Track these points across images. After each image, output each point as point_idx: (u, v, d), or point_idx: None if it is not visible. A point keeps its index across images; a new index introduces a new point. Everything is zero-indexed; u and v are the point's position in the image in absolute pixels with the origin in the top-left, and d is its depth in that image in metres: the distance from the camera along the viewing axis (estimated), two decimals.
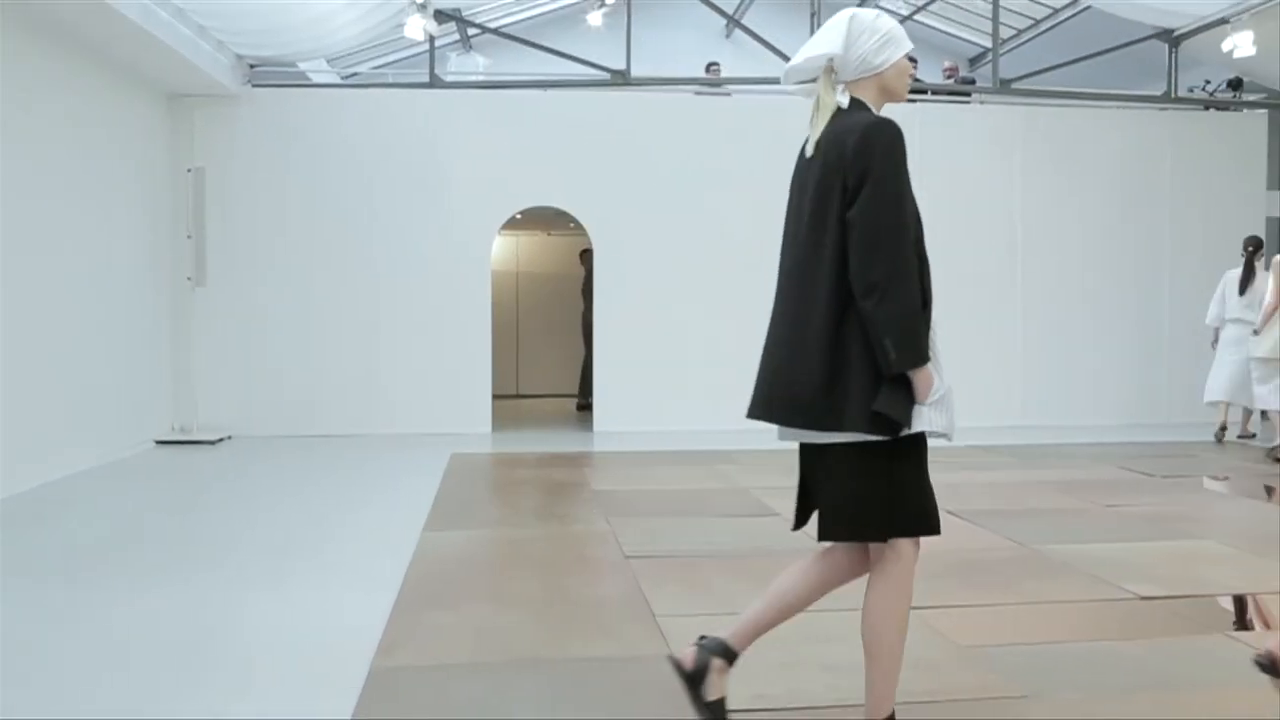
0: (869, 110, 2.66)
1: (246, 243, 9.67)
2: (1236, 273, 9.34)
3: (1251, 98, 11.43)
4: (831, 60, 2.67)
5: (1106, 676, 3.41)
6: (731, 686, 3.23)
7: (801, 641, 3.68)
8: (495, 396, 10.25)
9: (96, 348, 8.04)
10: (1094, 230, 10.81)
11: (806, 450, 2.75)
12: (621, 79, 10.28)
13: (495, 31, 11.91)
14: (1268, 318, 8.51)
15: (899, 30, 2.68)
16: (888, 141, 2.53)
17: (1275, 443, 8.49)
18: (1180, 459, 8.46)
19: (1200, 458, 8.54)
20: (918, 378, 2.56)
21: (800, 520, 2.84)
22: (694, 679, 2.78)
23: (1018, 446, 9.05)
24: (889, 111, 2.70)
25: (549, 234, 13.98)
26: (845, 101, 2.67)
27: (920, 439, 2.66)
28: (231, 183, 9.62)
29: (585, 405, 11.46)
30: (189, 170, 9.35)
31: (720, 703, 2.78)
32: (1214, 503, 6.86)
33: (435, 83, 10.23)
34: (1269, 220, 11.39)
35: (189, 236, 9.32)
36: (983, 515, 5.95)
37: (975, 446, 8.98)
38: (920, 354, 2.55)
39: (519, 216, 10.65)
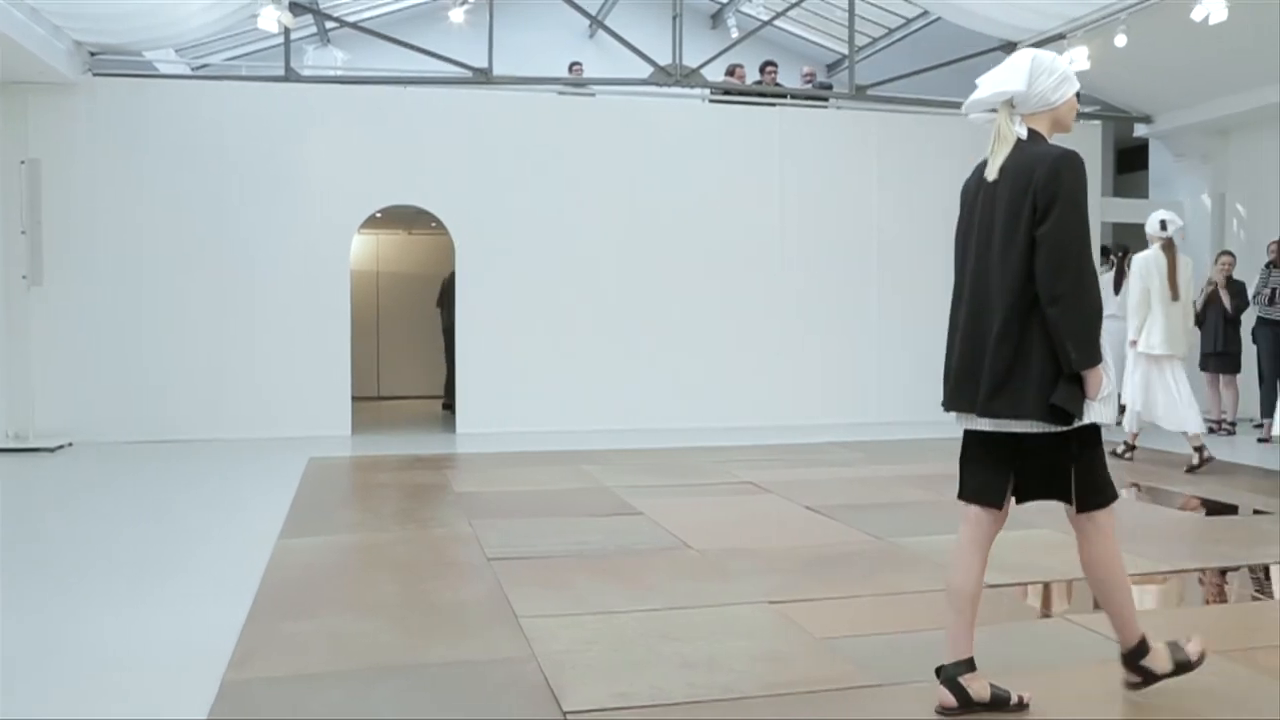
0: (1045, 141, 3.07)
1: (86, 239, 9.22)
2: (1108, 277, 9.85)
3: (1088, 109, 12.04)
4: (1013, 96, 3.05)
5: None
6: (592, 686, 3.24)
7: (660, 639, 3.71)
8: (355, 398, 10.03)
9: None
10: (945, 233, 11.14)
11: (989, 437, 3.06)
12: (483, 77, 10.19)
13: (354, 25, 11.67)
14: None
15: (1070, 70, 3.12)
16: (1075, 171, 2.96)
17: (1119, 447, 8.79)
18: None
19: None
20: (1091, 376, 2.90)
21: (965, 492, 3.20)
22: (1150, 679, 3.15)
23: (874, 443, 9.32)
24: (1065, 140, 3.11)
25: (410, 233, 13.77)
26: (1024, 133, 3.06)
27: (1099, 427, 3.03)
28: (70, 176, 9.15)
29: (451, 405, 11.32)
30: (22, 162, 8.86)
31: (1183, 663, 3.15)
32: None
33: (291, 76, 9.94)
34: (1104, 225, 12.03)
35: (23, 232, 8.84)
36: (840, 510, 6.11)
37: (833, 443, 9.22)
38: (1096, 356, 2.90)
39: (379, 215, 10.44)
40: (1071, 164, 2.95)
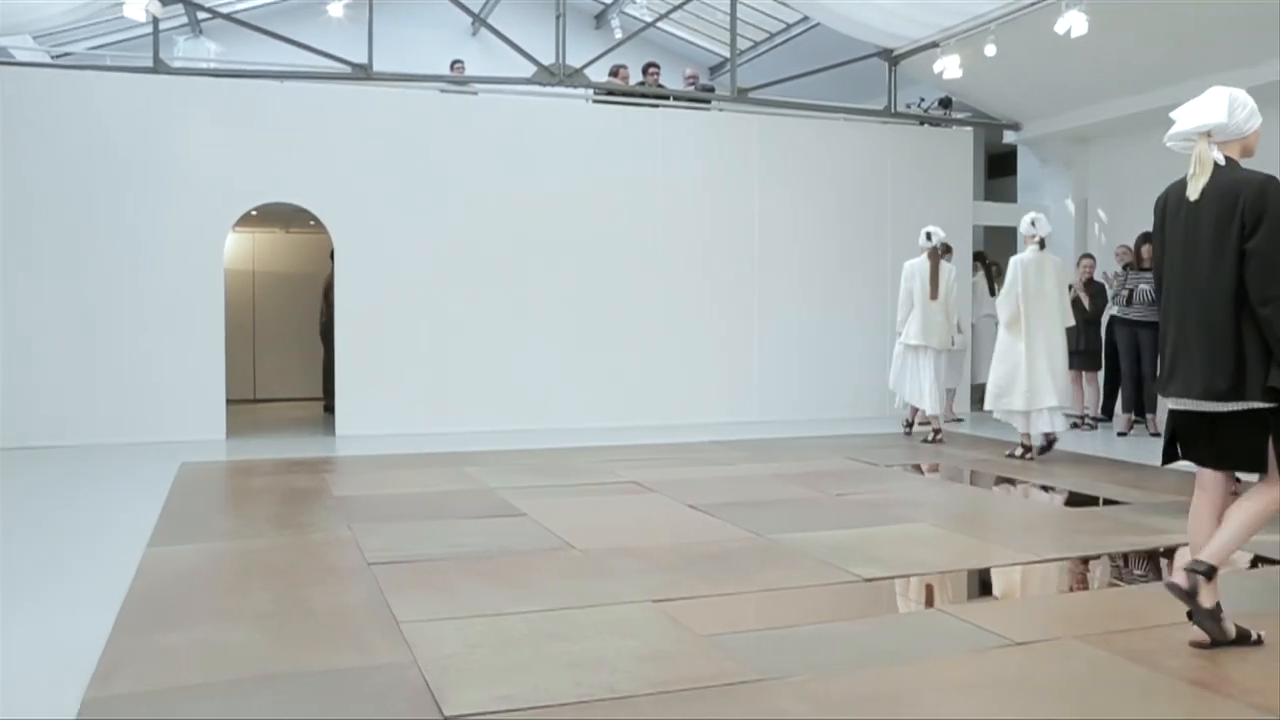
0: (1239, 166, 3.63)
1: None
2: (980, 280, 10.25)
3: (960, 116, 12.45)
4: (1212, 128, 3.62)
5: (835, 655, 3.61)
6: (475, 689, 3.21)
7: (544, 640, 3.70)
8: (230, 401, 9.74)
9: None
10: (824, 235, 11.45)
11: (1204, 417, 3.65)
12: (363, 73, 10.00)
13: (227, 17, 11.30)
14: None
15: (1255, 105, 3.68)
16: (1277, 193, 3.48)
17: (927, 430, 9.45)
18: (900, 449, 9.10)
19: (918, 447, 9.21)
20: None
21: (1169, 459, 3.89)
22: (1190, 595, 3.54)
23: (755, 441, 9.45)
24: None
25: (288, 232, 13.43)
26: (1221, 159, 3.61)
27: None
28: None
29: (332, 407, 11.08)
30: None
31: (1217, 606, 3.55)
32: (927, 488, 7.40)
33: (160, 68, 9.59)
34: (975, 228, 12.45)
35: None
36: (722, 508, 6.18)
37: (716, 442, 9.33)
38: None
39: (254, 213, 10.15)
40: (1276, 187, 3.51)
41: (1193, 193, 3.64)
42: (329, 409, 11.32)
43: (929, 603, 4.52)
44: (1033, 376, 8.20)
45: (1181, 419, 3.74)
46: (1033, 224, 8.32)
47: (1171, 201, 3.77)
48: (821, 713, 3.07)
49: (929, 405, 9.39)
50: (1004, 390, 8.32)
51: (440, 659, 3.49)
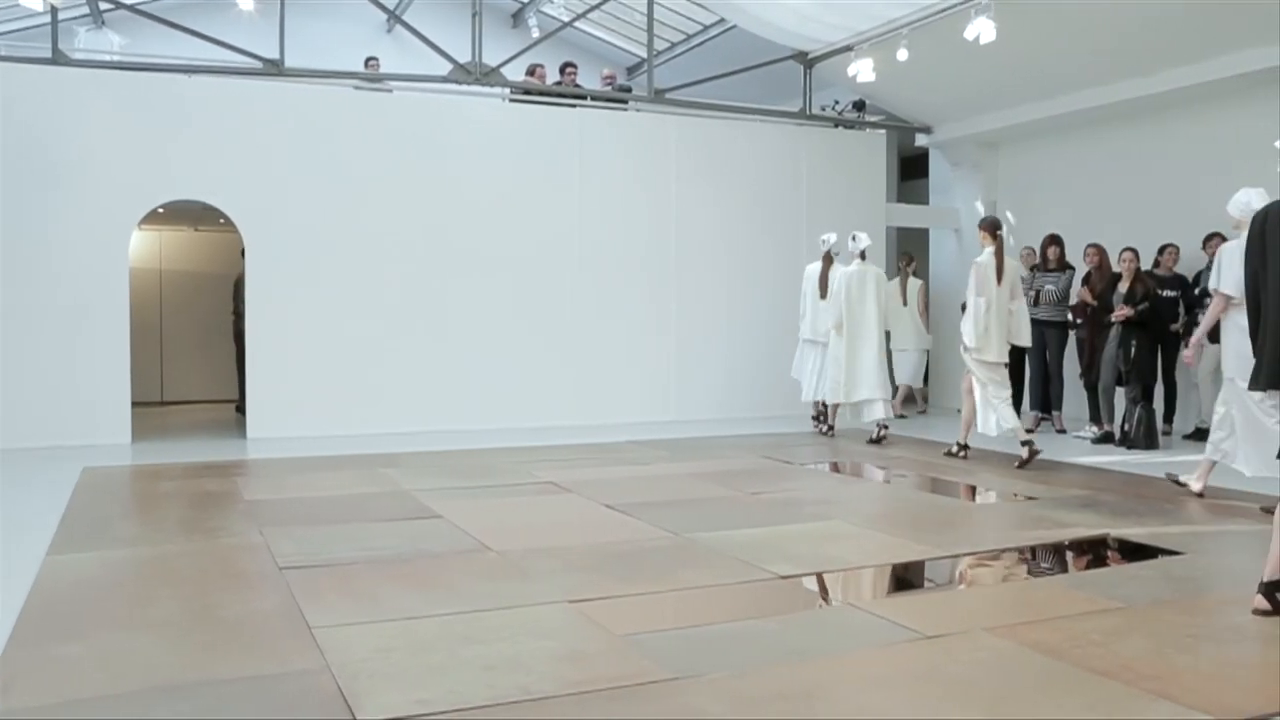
0: None
1: None
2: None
3: (873, 119, 12.65)
4: None
5: (750, 653, 3.64)
6: (389, 694, 3.18)
7: (460, 643, 3.67)
8: (136, 404, 9.48)
9: None
10: (741, 236, 11.54)
11: None
12: (274, 69, 9.80)
13: (131, 8, 10.97)
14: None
15: None
16: None
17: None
18: (815, 447, 9.21)
19: (833, 445, 9.34)
20: None
21: None
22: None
23: (672, 440, 9.49)
24: None
25: (196, 230, 13.11)
26: None
27: None
28: None
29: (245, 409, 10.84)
30: None
31: None
32: (842, 486, 7.51)
33: (59, 59, 9.28)
34: (888, 229, 12.66)
35: None
36: (638, 508, 6.19)
37: (633, 442, 9.35)
38: None
39: (161, 210, 9.88)
40: None
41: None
42: (241, 411, 11.08)
43: (843, 599, 4.59)
44: (852, 373, 9.37)
45: None
46: (854, 239, 9.52)
47: (1271, 219, 4.36)
48: (737, 710, 3.09)
49: (832, 396, 9.70)
50: (839, 387, 9.45)
51: (353, 664, 3.43)
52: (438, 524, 5.73)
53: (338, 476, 7.37)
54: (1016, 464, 7.85)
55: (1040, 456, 7.92)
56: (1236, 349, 5.95)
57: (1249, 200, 5.84)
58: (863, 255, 9.45)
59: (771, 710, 3.09)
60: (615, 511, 6.13)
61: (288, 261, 9.71)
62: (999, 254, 8.09)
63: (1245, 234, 5.25)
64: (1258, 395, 5.36)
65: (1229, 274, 6.00)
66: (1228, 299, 6.08)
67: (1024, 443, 7.94)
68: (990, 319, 8.00)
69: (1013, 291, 8.22)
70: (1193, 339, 6.88)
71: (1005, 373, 8.18)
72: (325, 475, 7.43)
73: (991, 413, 8.07)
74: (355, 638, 3.72)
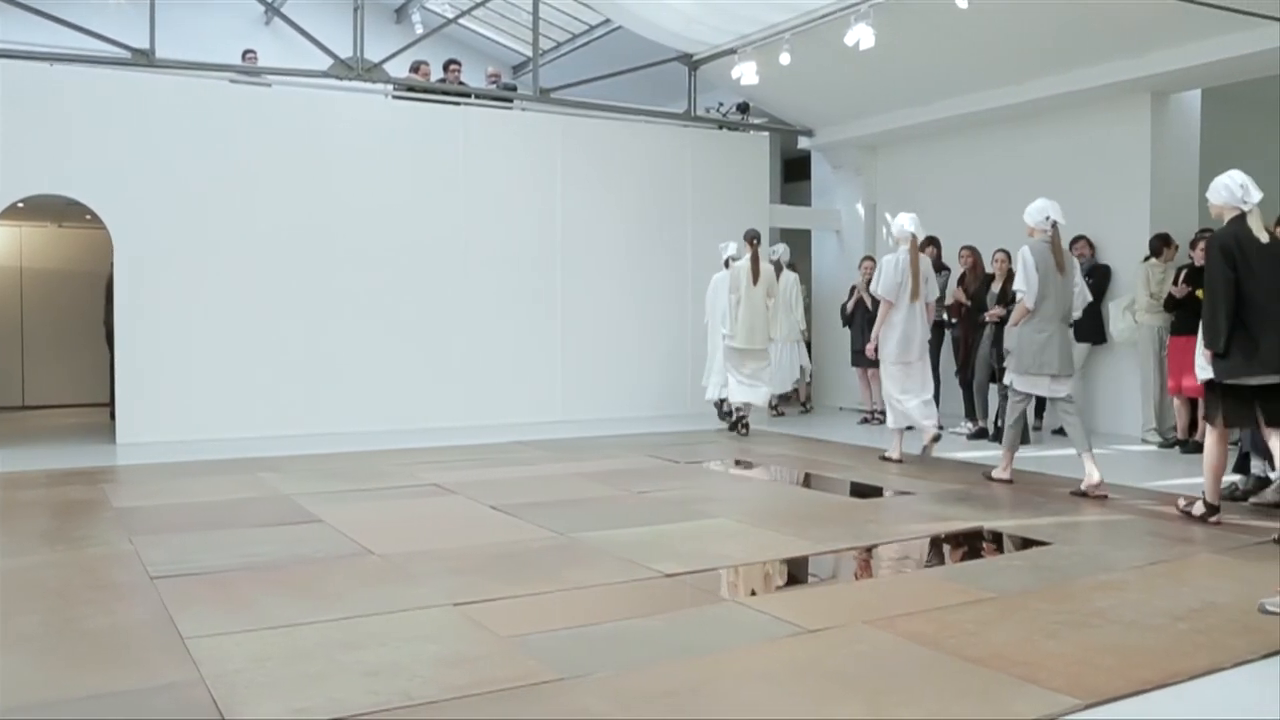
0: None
1: None
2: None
3: (757, 121, 12.83)
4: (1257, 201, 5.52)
5: (636, 651, 3.65)
6: (266, 704, 3.09)
7: (340, 649, 3.59)
8: None
9: None
10: (627, 236, 11.57)
11: (1262, 389, 5.43)
12: (145, 59, 9.44)
13: None
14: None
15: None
16: None
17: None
18: (701, 445, 9.30)
19: (719, 444, 9.44)
20: None
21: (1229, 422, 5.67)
22: None
23: (558, 441, 9.47)
24: None
25: (60, 226, 12.56)
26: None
27: None
28: None
29: None
30: None
31: None
32: (727, 484, 7.59)
33: None
34: (772, 230, 12.84)
35: None
36: (523, 508, 6.16)
37: (518, 442, 9.30)
38: None
39: (21, 205, 9.43)
40: None
41: (1262, 237, 5.39)
42: (114, 415, 10.67)
43: (727, 596, 4.64)
44: (716, 370, 10.32)
45: (1263, 390, 5.38)
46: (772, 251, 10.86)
47: (1243, 240, 5.38)
48: (624, 709, 3.09)
49: (736, 396, 9.99)
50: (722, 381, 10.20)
51: (228, 675, 3.33)
52: (318, 528, 5.61)
53: (213, 481, 7.14)
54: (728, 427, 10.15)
55: (920, 453, 8.18)
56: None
57: (1044, 207, 6.82)
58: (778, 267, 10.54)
59: (658, 707, 3.10)
60: (500, 512, 6.08)
61: (158, 260, 9.36)
62: (754, 259, 9.79)
63: (1034, 242, 6.77)
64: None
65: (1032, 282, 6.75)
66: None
67: (738, 419, 9.98)
68: (741, 311, 9.71)
69: (769, 290, 9.87)
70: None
71: (752, 356, 9.87)
72: (200, 480, 7.19)
73: (726, 385, 9.99)
74: (231, 647, 3.61)
